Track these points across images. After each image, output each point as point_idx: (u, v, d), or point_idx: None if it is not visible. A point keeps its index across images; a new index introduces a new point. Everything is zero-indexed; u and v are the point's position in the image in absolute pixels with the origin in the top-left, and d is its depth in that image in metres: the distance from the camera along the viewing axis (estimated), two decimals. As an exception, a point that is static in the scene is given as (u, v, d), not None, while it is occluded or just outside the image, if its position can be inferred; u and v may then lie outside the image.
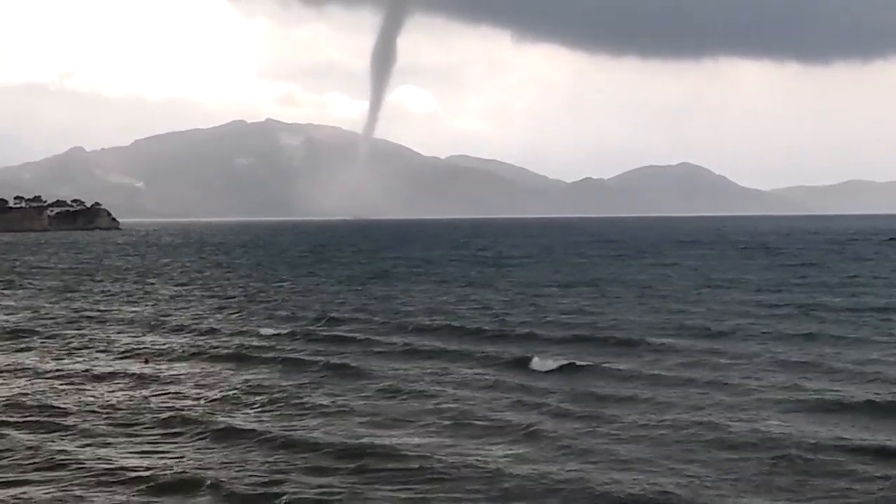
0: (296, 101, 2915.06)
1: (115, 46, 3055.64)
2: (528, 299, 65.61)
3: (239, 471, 23.56)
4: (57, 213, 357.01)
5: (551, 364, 37.16)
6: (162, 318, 56.47)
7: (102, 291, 78.64)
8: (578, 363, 37.32)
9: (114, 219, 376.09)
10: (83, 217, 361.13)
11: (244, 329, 50.92)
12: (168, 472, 23.56)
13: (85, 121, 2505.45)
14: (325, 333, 48.62)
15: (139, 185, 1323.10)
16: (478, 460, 23.98)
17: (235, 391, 33.73)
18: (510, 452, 24.94)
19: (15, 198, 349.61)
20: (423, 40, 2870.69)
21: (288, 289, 78.20)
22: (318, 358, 40.37)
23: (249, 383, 35.11)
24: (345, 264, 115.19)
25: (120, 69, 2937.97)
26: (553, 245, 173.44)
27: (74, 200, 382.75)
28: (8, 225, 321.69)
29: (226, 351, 43.05)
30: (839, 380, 33.75)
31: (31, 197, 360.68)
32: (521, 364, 38.06)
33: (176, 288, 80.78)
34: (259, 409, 30.77)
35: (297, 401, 31.70)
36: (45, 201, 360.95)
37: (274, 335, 47.79)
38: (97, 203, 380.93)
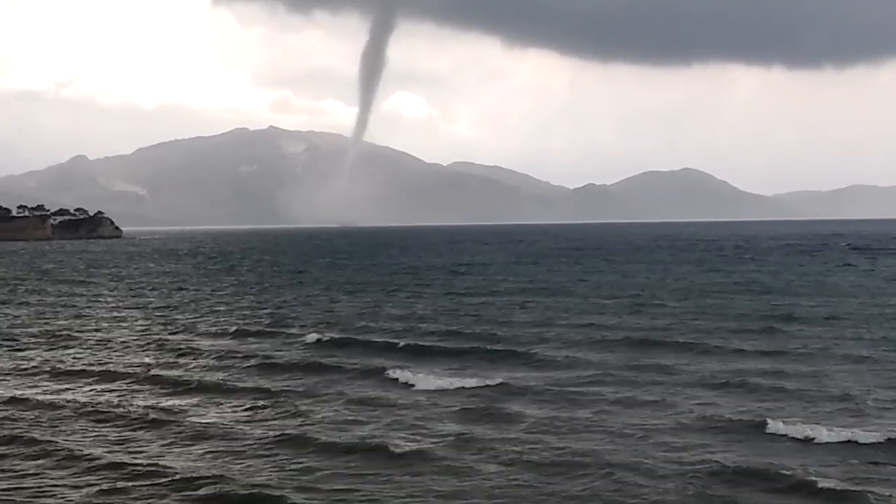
0: (290, 107, 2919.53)
1: (109, 55, 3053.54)
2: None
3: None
4: (60, 221, 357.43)
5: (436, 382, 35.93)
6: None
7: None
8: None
9: (117, 227, 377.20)
10: (86, 226, 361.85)
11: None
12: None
13: (85, 129, 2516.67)
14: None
15: (142, 194, 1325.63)
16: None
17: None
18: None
19: (18, 207, 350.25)
20: (417, 47, 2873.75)
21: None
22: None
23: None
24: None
25: (115, 77, 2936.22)
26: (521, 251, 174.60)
27: (78, 209, 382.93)
28: (11, 234, 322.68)
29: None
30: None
31: (34, 206, 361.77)
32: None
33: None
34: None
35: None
36: (49, 210, 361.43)
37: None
38: (100, 212, 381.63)
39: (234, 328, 53.90)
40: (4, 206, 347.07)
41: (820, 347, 42.36)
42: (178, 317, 62.29)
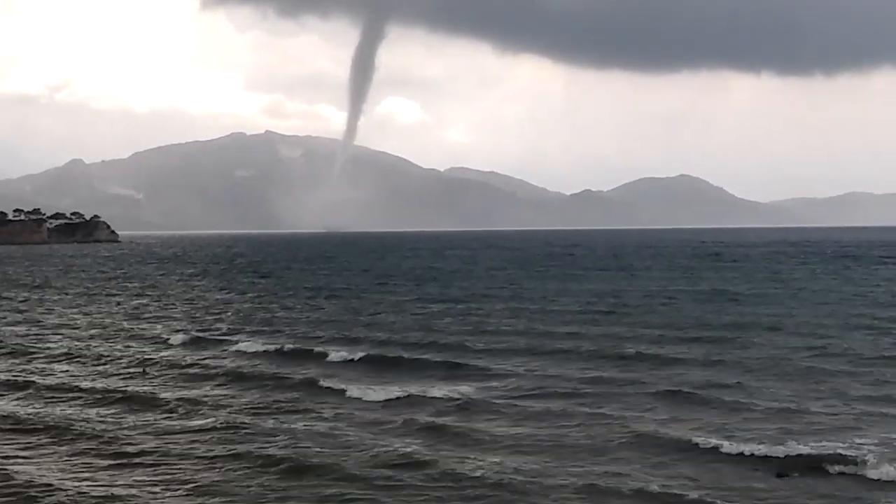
0: (284, 112, 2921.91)
1: (102, 59, 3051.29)
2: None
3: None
4: (56, 225, 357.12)
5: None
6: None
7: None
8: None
9: (113, 231, 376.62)
10: (82, 230, 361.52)
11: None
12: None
13: (82, 133, 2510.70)
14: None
15: (139, 198, 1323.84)
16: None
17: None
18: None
19: (14, 210, 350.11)
20: (410, 52, 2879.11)
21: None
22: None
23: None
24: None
25: (109, 81, 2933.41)
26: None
27: (74, 213, 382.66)
28: (7, 237, 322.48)
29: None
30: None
31: (30, 209, 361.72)
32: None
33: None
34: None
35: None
36: (45, 214, 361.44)
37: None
38: (96, 216, 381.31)
39: (173, 335, 53.21)
40: (1, 209, 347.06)
41: (768, 358, 41.63)
42: (123, 323, 61.94)
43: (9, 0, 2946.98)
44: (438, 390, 35.32)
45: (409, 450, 26.69)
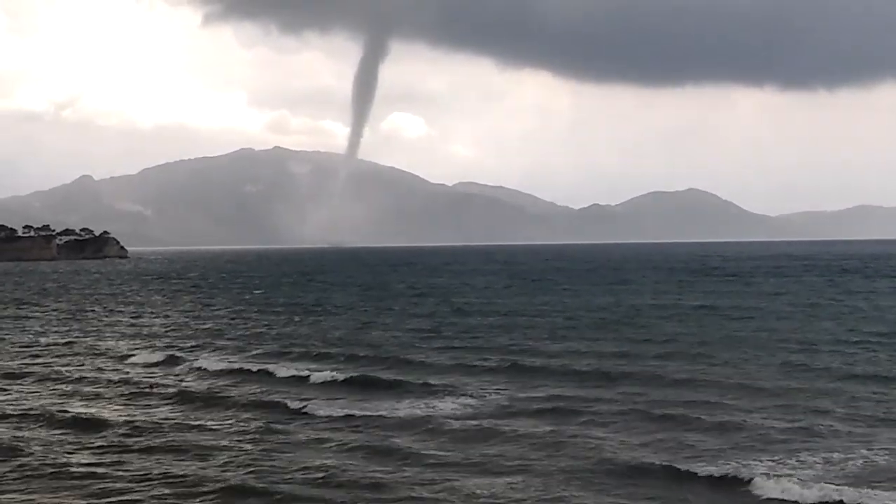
0: (287, 128, 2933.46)
1: (107, 76, 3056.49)
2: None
3: None
4: (65, 241, 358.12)
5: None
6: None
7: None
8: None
9: (122, 247, 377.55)
10: (91, 246, 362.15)
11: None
12: None
13: (90, 150, 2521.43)
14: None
15: (147, 214, 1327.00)
16: None
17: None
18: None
19: (24, 227, 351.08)
20: (414, 68, 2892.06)
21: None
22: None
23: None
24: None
25: (114, 98, 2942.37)
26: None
27: (83, 229, 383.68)
28: (17, 254, 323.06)
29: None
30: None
31: (39, 226, 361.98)
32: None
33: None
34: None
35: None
36: (54, 230, 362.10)
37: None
38: (105, 232, 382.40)
39: (138, 353, 52.89)
40: (10, 226, 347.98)
41: (740, 376, 41.00)
42: (87, 340, 61.71)
43: (14, 18, 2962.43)
44: (402, 410, 34.68)
45: (366, 473, 26.00)
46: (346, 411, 34.45)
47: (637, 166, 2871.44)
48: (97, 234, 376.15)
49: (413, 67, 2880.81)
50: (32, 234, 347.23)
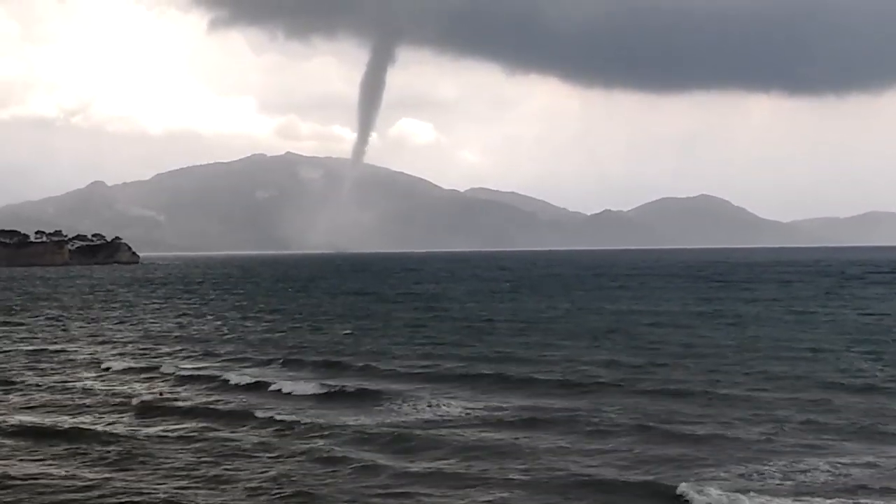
0: (297, 133, 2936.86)
1: (116, 82, 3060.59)
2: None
3: None
4: (78, 247, 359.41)
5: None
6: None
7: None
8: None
9: (134, 253, 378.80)
10: (104, 251, 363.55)
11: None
12: None
13: (103, 155, 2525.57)
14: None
15: (160, 219, 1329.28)
16: None
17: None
18: None
19: (36, 232, 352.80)
20: (423, 73, 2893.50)
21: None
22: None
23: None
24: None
25: (125, 104, 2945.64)
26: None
27: (95, 234, 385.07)
28: (29, 259, 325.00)
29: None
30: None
31: (52, 231, 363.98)
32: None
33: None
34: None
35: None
36: (66, 235, 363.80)
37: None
38: (117, 237, 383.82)
39: (112, 363, 52.21)
40: (23, 231, 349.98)
41: (707, 383, 40.86)
42: (56, 346, 61.36)
43: (23, 25, 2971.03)
44: (361, 418, 34.33)
45: (312, 484, 25.68)
46: (304, 419, 34.13)
47: (648, 172, 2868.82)
48: (109, 239, 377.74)
49: (422, 71, 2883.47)
50: (45, 239, 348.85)
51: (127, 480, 26.43)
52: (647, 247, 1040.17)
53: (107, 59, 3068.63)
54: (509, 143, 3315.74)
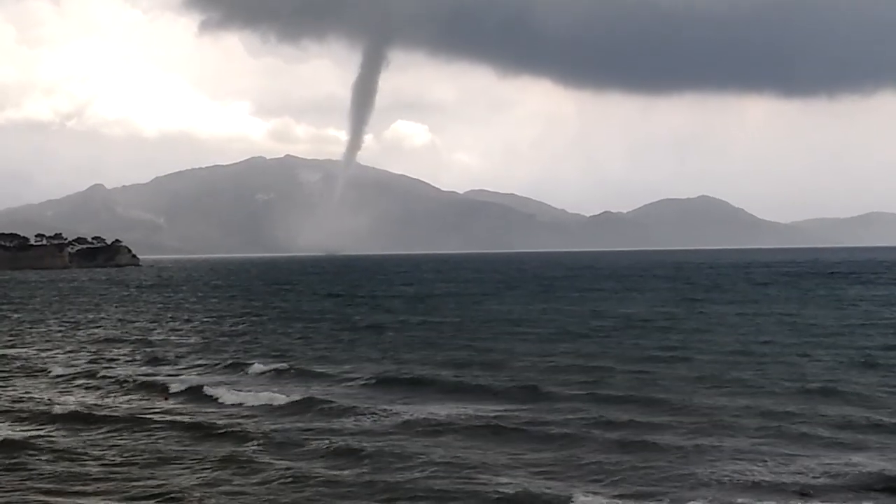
0: (292, 136, 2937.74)
1: (110, 86, 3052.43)
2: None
3: None
4: (78, 250, 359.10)
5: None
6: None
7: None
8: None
9: (134, 255, 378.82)
10: (104, 254, 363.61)
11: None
12: None
13: (102, 158, 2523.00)
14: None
15: (159, 222, 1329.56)
16: None
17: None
18: None
19: (36, 235, 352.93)
20: (418, 76, 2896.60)
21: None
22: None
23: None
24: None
25: (120, 108, 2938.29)
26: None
27: (95, 237, 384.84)
28: (30, 262, 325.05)
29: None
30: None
31: (52, 234, 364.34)
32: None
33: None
34: None
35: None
36: (66, 238, 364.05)
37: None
38: (117, 240, 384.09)
39: (54, 367, 51.37)
40: (23, 234, 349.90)
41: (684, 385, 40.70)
42: (10, 351, 60.58)
43: (19, 29, 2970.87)
44: (301, 425, 33.69)
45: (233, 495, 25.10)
46: (238, 425, 33.46)
47: (647, 173, 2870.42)
48: (109, 242, 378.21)
49: (418, 74, 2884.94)
50: (45, 242, 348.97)
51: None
52: (647, 248, 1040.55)
53: (101, 62, 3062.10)
54: (507, 145, 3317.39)
